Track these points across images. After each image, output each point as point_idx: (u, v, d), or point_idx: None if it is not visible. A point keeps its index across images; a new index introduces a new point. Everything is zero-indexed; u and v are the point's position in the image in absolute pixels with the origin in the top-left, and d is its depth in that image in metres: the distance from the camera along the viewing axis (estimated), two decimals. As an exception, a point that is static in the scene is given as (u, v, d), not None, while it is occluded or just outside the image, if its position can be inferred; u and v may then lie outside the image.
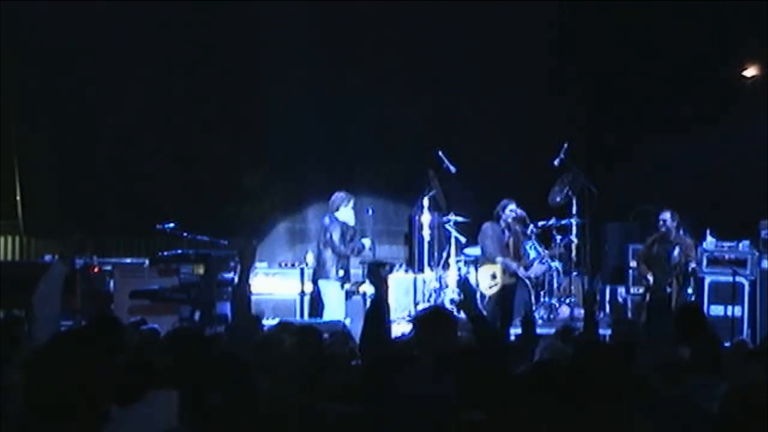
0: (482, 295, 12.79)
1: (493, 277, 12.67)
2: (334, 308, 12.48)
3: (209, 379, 4.33)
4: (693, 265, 12.89)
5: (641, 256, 13.05)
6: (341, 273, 12.54)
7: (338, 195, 12.85)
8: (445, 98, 16.65)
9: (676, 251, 12.60)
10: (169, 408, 4.58)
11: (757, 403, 3.82)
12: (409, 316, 12.94)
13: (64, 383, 3.39)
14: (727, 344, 9.08)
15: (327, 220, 12.74)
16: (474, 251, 14.34)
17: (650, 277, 12.67)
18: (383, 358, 5.68)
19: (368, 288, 13.26)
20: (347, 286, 12.68)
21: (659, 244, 12.74)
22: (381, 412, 4.84)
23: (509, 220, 12.85)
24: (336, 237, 12.51)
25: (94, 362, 3.45)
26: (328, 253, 12.57)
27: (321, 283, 12.73)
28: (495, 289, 12.69)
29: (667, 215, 12.71)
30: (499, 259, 12.86)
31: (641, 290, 13.17)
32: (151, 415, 4.64)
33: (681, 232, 13.07)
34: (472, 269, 13.33)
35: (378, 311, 6.30)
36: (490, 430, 4.28)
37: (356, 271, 12.81)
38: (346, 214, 12.69)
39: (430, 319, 6.09)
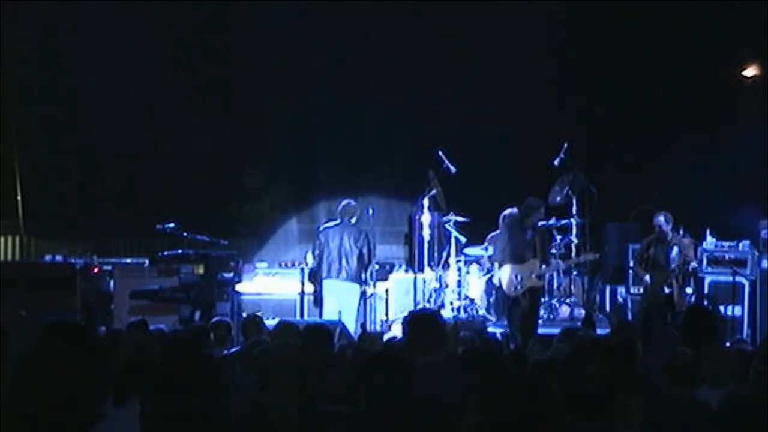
0: (505, 296, 12.78)
1: (518, 278, 12.52)
2: (353, 310, 12.64)
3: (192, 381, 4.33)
4: (694, 264, 12.89)
5: (638, 259, 13.01)
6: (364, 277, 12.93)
7: (353, 203, 13.10)
8: (446, 98, 16.65)
9: (675, 251, 12.59)
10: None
11: (756, 403, 3.82)
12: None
13: (54, 383, 3.38)
14: (726, 344, 9.09)
15: (359, 227, 12.92)
16: (474, 251, 14.34)
17: (648, 278, 12.65)
18: (386, 358, 5.67)
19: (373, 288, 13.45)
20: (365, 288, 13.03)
21: (656, 246, 12.70)
22: (383, 412, 4.83)
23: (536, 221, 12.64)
24: (373, 245, 12.91)
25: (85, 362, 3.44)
26: (357, 259, 12.75)
27: (343, 284, 12.81)
28: (519, 291, 12.52)
29: (661, 218, 12.67)
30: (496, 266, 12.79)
31: (641, 290, 13.15)
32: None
33: (681, 232, 13.06)
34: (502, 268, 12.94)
35: None
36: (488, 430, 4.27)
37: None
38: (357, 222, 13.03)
39: (420, 322, 6.08)
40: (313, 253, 13.26)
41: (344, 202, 13.10)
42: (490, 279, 13.74)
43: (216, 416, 4.30)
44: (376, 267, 13.70)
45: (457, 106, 16.55)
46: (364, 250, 12.79)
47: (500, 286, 12.69)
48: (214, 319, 9.18)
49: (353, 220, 12.93)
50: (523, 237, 12.61)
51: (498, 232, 14.07)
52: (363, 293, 13.08)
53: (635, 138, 16.33)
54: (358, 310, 12.75)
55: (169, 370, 4.48)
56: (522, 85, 16.25)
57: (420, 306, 13.51)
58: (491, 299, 13.90)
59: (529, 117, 16.24)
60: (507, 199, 13.82)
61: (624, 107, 16.35)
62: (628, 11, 15.93)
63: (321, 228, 13.35)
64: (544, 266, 12.55)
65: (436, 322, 6.16)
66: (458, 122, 16.36)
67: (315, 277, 13.17)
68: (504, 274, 12.58)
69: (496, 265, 12.74)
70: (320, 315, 12.77)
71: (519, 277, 12.49)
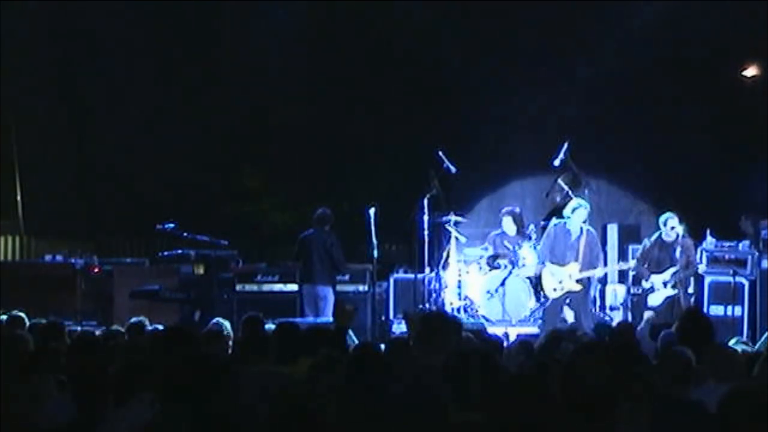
0: (545, 297, 12.91)
1: (560, 281, 12.56)
2: (330, 310, 12.91)
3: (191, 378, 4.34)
4: (704, 267, 12.88)
5: (640, 258, 12.89)
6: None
7: (328, 212, 13.58)
8: (445, 98, 16.64)
9: (678, 252, 12.54)
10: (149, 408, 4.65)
11: (757, 404, 3.82)
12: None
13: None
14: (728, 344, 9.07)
15: (331, 234, 13.44)
16: (474, 251, 14.33)
17: (654, 278, 12.53)
18: (378, 358, 5.68)
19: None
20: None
21: (660, 248, 12.61)
22: (373, 411, 4.84)
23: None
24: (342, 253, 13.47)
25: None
26: (331, 263, 13.30)
27: (326, 289, 13.29)
28: (559, 293, 12.59)
29: (675, 221, 12.57)
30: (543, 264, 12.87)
31: (640, 290, 13.09)
32: (140, 414, 4.69)
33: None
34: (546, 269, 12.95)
35: None
36: (488, 431, 4.28)
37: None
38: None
39: (427, 322, 6.08)
40: (295, 259, 13.60)
41: (319, 211, 13.58)
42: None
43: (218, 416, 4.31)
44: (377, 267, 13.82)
45: (456, 106, 16.53)
46: (334, 255, 13.32)
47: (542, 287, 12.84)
48: (211, 323, 9.18)
49: (327, 228, 13.42)
50: (568, 240, 12.64)
51: (500, 231, 14.09)
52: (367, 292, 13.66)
53: (635, 137, 16.31)
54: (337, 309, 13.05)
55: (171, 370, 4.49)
56: (522, 84, 16.24)
57: (420, 306, 13.55)
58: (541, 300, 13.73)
59: (530, 117, 16.24)
60: (507, 199, 13.84)
61: (623, 107, 16.32)
62: (629, 11, 15.92)
63: (300, 237, 13.69)
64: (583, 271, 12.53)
65: (445, 323, 6.16)
66: (458, 122, 16.36)
67: (300, 281, 13.55)
68: (545, 275, 12.68)
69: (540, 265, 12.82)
70: (303, 315, 13.13)
71: (558, 280, 12.54)
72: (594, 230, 13.06)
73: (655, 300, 12.48)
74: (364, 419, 4.81)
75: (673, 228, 12.45)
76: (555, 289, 12.63)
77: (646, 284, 12.64)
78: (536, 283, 13.37)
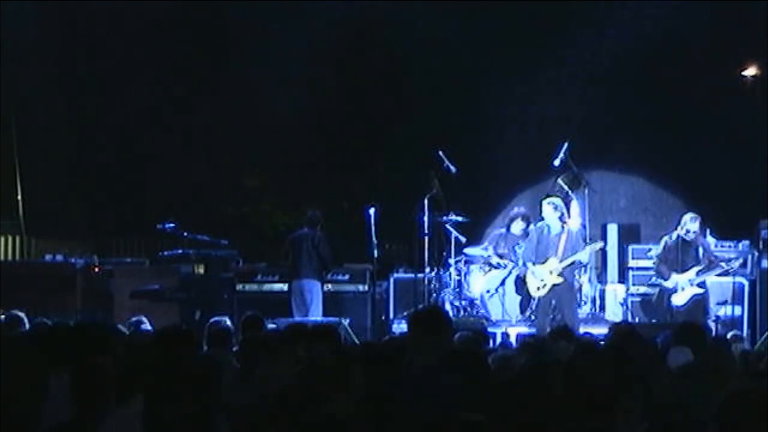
0: (531, 298, 12.90)
1: (542, 279, 12.52)
2: (319, 305, 13.36)
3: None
4: (733, 265, 12.86)
5: (661, 258, 12.75)
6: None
7: (317, 213, 13.76)
8: (446, 98, 16.65)
9: (700, 251, 12.50)
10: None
11: (756, 404, 3.83)
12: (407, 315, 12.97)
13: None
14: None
15: (320, 234, 13.57)
16: (474, 251, 14.33)
17: (674, 279, 12.41)
18: (383, 358, 5.68)
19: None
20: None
21: (682, 248, 12.52)
22: (380, 412, 4.84)
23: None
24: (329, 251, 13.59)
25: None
26: (318, 261, 13.44)
27: (313, 283, 13.40)
28: (544, 291, 12.55)
29: (697, 222, 12.49)
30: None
31: (655, 292, 13.00)
32: (139, 414, 4.70)
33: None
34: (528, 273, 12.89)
35: None
36: (490, 431, 4.28)
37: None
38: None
39: (425, 319, 6.06)
40: (285, 257, 13.67)
41: (309, 213, 13.80)
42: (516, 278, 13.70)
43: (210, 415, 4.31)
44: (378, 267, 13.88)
45: (457, 106, 16.55)
46: (322, 252, 13.45)
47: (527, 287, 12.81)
48: (213, 320, 9.17)
49: (317, 228, 13.57)
50: (547, 239, 12.61)
51: (503, 231, 14.08)
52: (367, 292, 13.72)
53: (635, 137, 16.32)
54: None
55: (164, 370, 4.50)
56: (522, 84, 16.25)
57: (420, 306, 13.53)
58: (522, 299, 13.72)
59: (530, 117, 16.25)
60: (507, 199, 13.83)
61: (623, 107, 16.33)
62: (627, 11, 15.93)
63: (289, 236, 13.85)
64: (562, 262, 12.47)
65: (442, 321, 6.14)
66: (459, 122, 16.38)
67: (289, 277, 13.67)
68: (528, 277, 12.65)
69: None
70: (290, 312, 13.19)
71: (540, 278, 12.51)
72: (576, 230, 12.97)
73: (680, 299, 12.39)
74: (367, 420, 4.81)
75: (697, 229, 12.41)
76: (539, 288, 12.57)
77: (668, 284, 12.54)
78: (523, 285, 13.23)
